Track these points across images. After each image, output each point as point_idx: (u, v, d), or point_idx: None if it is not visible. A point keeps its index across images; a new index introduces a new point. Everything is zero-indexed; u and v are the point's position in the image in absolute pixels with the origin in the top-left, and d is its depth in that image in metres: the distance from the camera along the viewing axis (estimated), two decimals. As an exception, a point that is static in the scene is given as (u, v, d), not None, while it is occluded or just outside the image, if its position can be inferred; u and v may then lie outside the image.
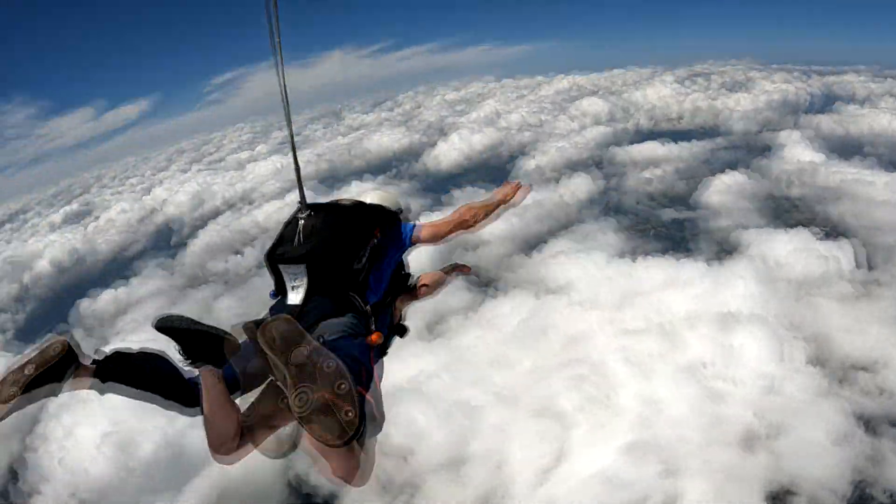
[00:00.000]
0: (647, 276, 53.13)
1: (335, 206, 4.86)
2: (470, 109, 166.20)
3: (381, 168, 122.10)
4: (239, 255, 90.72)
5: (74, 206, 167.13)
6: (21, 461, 55.60)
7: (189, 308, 76.39)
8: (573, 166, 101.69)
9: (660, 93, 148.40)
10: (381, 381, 4.52)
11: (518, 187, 5.28)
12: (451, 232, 5.24)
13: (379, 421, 4.25)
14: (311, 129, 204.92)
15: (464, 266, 5.96)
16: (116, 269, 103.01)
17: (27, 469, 54.46)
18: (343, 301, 4.31)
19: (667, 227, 76.91)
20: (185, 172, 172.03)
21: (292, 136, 5.06)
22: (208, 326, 3.74)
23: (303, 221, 4.70)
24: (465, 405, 44.14)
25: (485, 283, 60.48)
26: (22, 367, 3.57)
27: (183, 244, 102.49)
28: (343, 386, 3.15)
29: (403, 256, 5.19)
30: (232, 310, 70.28)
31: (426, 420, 43.45)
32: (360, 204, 4.92)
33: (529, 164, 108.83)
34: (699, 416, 39.33)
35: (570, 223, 76.77)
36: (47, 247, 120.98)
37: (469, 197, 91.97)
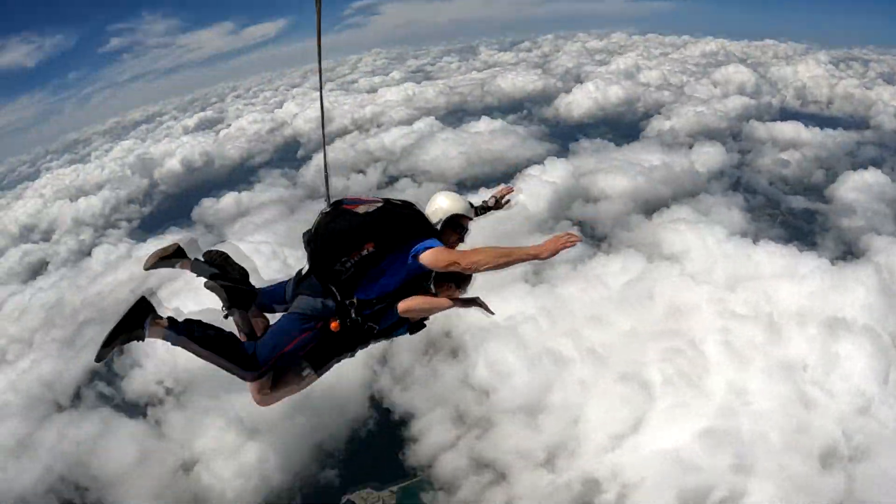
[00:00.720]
0: (765, 261, 50.66)
1: (345, 214, 5.34)
2: (609, 60, 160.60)
3: (511, 108, 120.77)
4: (361, 174, 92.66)
5: (209, 112, 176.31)
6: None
7: (306, 218, 78.68)
8: (709, 134, 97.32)
9: (812, 71, 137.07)
10: (309, 352, 5.33)
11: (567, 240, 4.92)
12: (447, 269, 5.06)
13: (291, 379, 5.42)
14: (446, 62, 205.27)
15: (485, 306, 5.83)
16: (241, 174, 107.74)
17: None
18: (323, 289, 5.21)
19: (795, 215, 72.94)
20: (317, 90, 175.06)
21: (323, 123, 6.08)
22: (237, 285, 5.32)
23: (319, 219, 5.47)
24: (556, 355, 44.16)
25: (599, 238, 59.57)
26: None
27: (308, 158, 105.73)
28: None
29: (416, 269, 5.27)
30: None
31: (514, 362, 43.81)
32: (367, 218, 5.26)
33: (664, 124, 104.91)
34: (785, 418, 37.83)
35: (696, 192, 73.95)
36: (179, 147, 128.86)
37: (596, 150, 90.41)
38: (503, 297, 49.20)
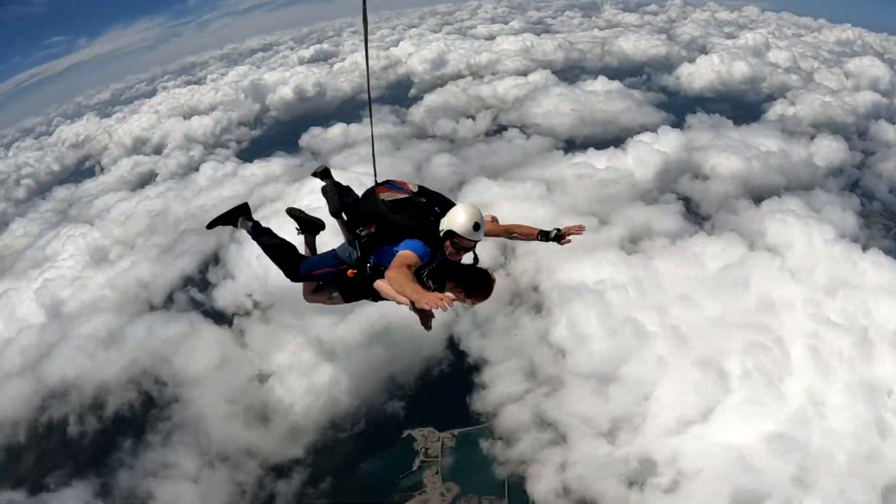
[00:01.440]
0: (870, 271, 47.17)
1: (373, 196, 6.26)
2: (738, 34, 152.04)
3: (630, 71, 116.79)
4: (470, 120, 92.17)
5: (324, 45, 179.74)
6: (224, 251, 62.13)
7: (410, 155, 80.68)
8: (833, 127, 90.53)
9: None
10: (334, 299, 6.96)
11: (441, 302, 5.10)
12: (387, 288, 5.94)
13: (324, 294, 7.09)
14: (568, 16, 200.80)
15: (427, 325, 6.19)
16: (351, 107, 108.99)
17: (226, 258, 61.02)
18: (352, 242, 6.47)
19: (915, 229, 67.76)
20: (435, 32, 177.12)
21: (370, 101, 7.29)
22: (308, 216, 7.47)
23: (366, 190, 6.51)
24: (638, 327, 43.31)
25: (702, 217, 57.52)
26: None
27: (419, 98, 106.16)
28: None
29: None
30: (449, 167, 72.46)
31: (596, 327, 43.21)
32: (380, 207, 6.09)
33: (787, 109, 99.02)
34: (857, 441, 35.52)
35: (811, 186, 69.79)
36: (293, 76, 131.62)
37: (713, 126, 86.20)
38: (597, 259, 48.56)
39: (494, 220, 6.86)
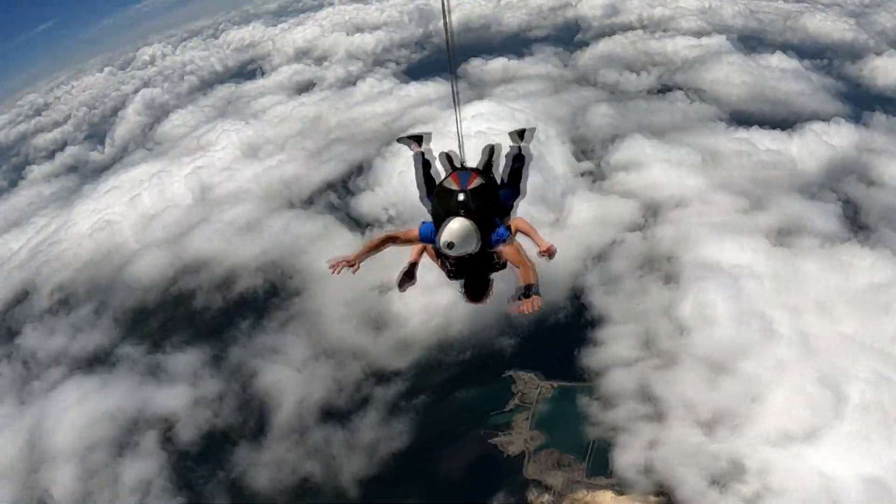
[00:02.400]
0: None
1: (445, 178, 6.75)
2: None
3: (812, 52, 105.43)
4: (635, 74, 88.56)
5: None
6: (369, 163, 63.62)
7: (569, 100, 78.51)
8: None
9: None
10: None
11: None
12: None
13: None
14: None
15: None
16: (515, 43, 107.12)
17: (371, 170, 62.53)
18: None
19: None
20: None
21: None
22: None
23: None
24: (766, 323, 40.90)
25: (859, 226, 53.19)
26: None
27: (584, 44, 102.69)
28: None
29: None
30: (606, 118, 70.30)
31: (723, 312, 41.36)
32: (437, 190, 6.66)
33: None
34: None
35: None
36: (459, 5, 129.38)
37: (892, 129, 77.99)
38: (740, 243, 46.24)
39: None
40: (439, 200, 6.36)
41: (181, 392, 45.49)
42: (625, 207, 53.04)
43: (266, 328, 48.26)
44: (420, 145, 8.18)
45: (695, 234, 47.59)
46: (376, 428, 40.85)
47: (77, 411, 46.30)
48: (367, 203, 57.80)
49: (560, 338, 43.61)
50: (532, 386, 41.32)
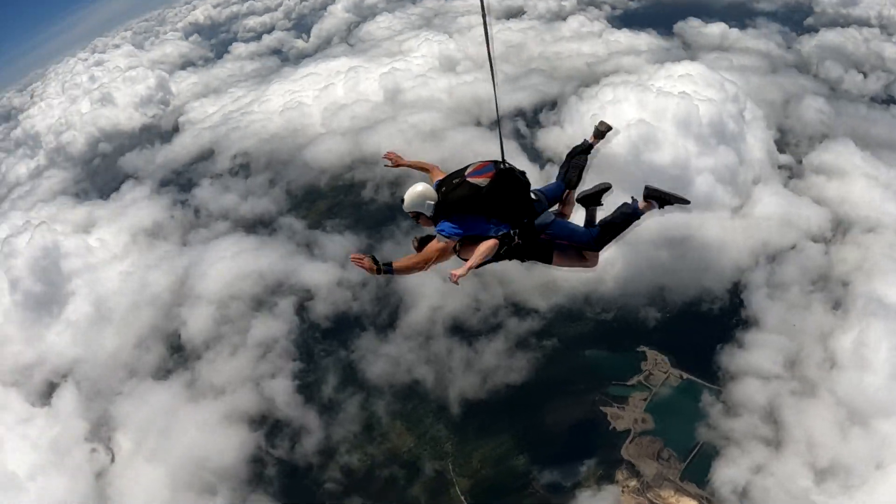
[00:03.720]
0: None
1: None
2: None
3: None
4: (861, 75, 76.80)
5: None
6: (564, 100, 62.57)
7: (783, 84, 71.30)
8: None
9: None
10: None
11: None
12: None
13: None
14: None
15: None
16: (739, 12, 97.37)
17: (564, 107, 61.43)
18: None
19: None
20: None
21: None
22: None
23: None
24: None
25: None
26: None
27: (813, 29, 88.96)
28: None
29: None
30: (819, 114, 62.82)
31: (882, 358, 36.48)
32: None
33: None
34: None
35: None
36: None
37: None
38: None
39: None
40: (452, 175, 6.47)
41: (328, 270, 48.65)
42: (814, 214, 48.88)
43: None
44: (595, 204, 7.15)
45: (880, 266, 43.10)
46: (499, 356, 41.56)
47: (229, 263, 50.84)
48: (552, 138, 57.41)
49: (705, 327, 41.96)
50: (661, 369, 40.22)
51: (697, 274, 43.49)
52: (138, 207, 65.42)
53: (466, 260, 6.08)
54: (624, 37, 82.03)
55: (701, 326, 42.02)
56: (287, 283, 48.32)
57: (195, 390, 44.07)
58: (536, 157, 55.31)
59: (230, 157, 68.20)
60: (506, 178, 6.28)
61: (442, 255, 6.17)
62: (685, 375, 39.77)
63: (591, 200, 6.95)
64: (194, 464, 39.90)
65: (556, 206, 6.99)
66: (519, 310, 43.71)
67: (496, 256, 6.36)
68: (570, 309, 43.42)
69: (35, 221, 62.74)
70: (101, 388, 46.88)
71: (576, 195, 7.03)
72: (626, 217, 6.82)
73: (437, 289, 44.27)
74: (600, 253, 6.83)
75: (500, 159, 6.39)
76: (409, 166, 7.15)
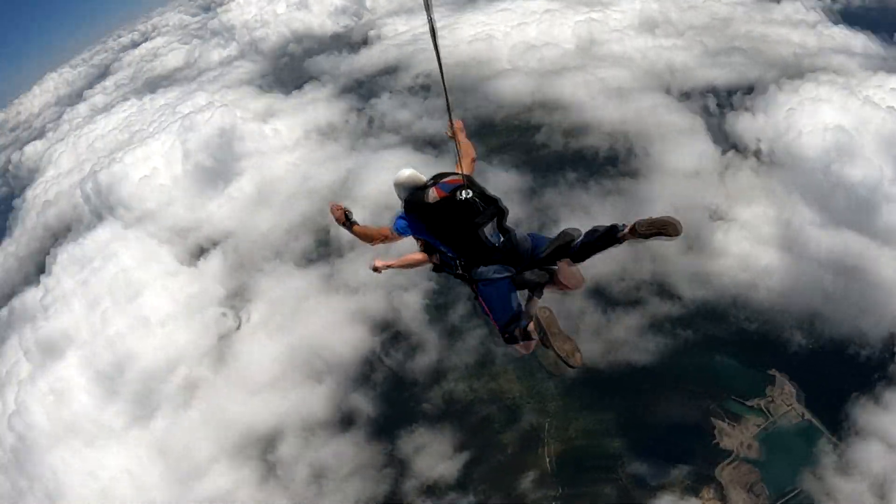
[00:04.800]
0: None
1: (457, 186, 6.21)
2: None
3: None
4: None
5: None
6: (763, 87, 58.27)
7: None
8: None
9: None
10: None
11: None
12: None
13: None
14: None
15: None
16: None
17: (762, 94, 57.12)
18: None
19: None
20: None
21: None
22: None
23: (470, 200, 6.02)
24: None
25: None
26: None
27: None
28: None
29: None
30: None
31: None
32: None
33: None
34: None
35: None
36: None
37: None
38: None
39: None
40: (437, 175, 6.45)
41: None
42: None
43: (588, 188, 48.47)
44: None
45: None
46: (629, 332, 40.10)
47: (391, 175, 50.61)
48: (742, 124, 53.31)
49: (846, 370, 37.56)
50: (785, 401, 36.79)
51: (857, 311, 38.81)
52: (316, 107, 69.06)
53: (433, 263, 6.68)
54: (839, 33, 74.30)
55: (842, 368, 37.60)
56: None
57: (330, 284, 46.54)
58: (722, 139, 51.82)
59: (413, 75, 69.28)
60: (451, 207, 6.04)
61: (385, 239, 6.44)
62: (808, 415, 36.17)
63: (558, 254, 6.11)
64: (311, 350, 42.62)
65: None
66: (663, 291, 41.72)
67: (457, 275, 6.33)
68: (715, 307, 40.76)
69: (218, 103, 66.80)
70: (245, 262, 50.80)
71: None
72: (605, 242, 5.89)
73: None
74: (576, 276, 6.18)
75: (469, 184, 6.12)
76: (458, 143, 6.71)
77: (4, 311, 55.54)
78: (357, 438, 38.73)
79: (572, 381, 37.88)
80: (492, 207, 6.01)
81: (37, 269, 62.48)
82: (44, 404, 42.37)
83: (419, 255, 6.87)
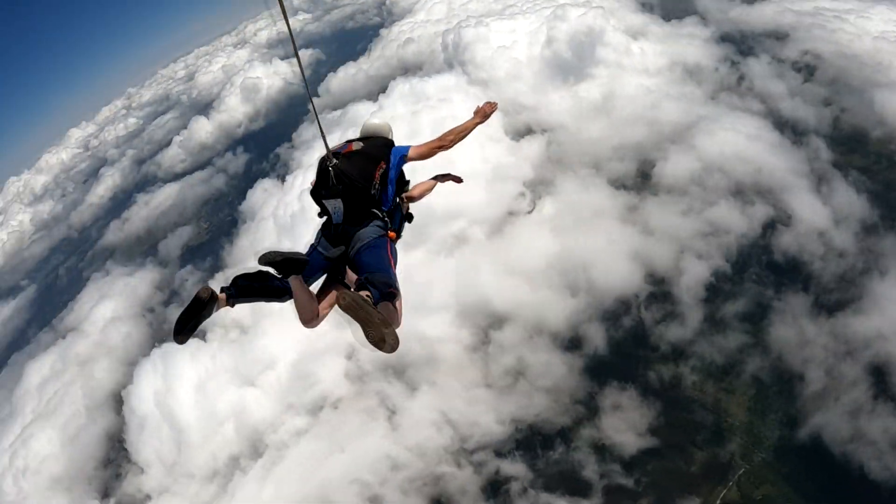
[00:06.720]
0: None
1: (353, 154, 6.18)
2: None
3: None
4: None
5: None
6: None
7: None
8: None
9: None
10: (396, 261, 6.01)
11: (491, 106, 6.54)
12: (431, 153, 6.39)
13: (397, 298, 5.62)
14: None
15: (456, 177, 7.51)
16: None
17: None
18: (369, 216, 6.08)
19: None
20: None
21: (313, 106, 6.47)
22: (290, 254, 5.66)
23: (332, 169, 5.96)
24: None
25: None
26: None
27: None
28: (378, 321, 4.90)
29: (402, 167, 6.58)
30: None
31: None
32: (368, 146, 6.28)
33: None
34: None
35: None
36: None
37: None
38: None
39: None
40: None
41: (820, 212, 44.02)
42: None
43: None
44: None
45: None
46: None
47: (742, 143, 49.79)
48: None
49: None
50: None
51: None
52: (692, 43, 65.84)
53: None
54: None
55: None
56: (776, 199, 44.81)
57: (631, 215, 46.96)
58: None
59: (801, 50, 61.88)
60: (320, 166, 6.15)
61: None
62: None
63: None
64: (581, 264, 43.35)
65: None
66: (780, 283, 39.24)
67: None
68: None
69: (595, 3, 66.31)
70: (563, 158, 53.23)
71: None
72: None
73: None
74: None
75: (350, 156, 6.18)
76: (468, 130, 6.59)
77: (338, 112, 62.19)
78: (572, 363, 39.07)
79: (799, 445, 33.20)
80: (342, 188, 5.96)
81: (379, 89, 68.24)
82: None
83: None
